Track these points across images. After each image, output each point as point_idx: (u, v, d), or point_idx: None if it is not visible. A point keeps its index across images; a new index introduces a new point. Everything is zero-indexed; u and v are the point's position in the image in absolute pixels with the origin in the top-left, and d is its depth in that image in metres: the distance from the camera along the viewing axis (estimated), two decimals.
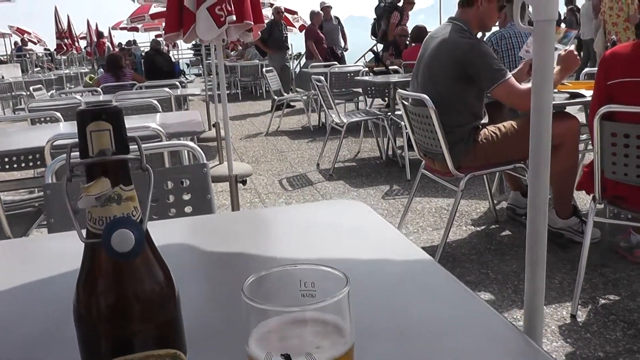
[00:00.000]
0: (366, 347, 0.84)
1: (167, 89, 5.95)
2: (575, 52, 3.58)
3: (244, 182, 4.48)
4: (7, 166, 3.79)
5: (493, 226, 4.32)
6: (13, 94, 12.71)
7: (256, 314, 0.54)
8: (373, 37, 12.46)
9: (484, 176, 4.38)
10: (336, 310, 0.55)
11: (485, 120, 3.83)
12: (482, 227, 4.31)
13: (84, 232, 0.56)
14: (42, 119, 4.84)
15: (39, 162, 3.84)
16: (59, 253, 1.35)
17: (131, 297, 0.55)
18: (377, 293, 1.02)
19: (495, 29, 4.83)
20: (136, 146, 0.58)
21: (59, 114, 4.45)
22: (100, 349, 0.56)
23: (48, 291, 1.15)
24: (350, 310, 0.56)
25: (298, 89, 11.82)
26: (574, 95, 3.86)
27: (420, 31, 8.57)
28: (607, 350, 2.63)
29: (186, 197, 2.04)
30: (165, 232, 1.41)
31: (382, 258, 1.17)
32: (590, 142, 4.15)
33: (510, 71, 3.58)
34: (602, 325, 2.84)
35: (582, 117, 4.18)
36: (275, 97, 9.59)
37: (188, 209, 2.03)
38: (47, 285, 1.18)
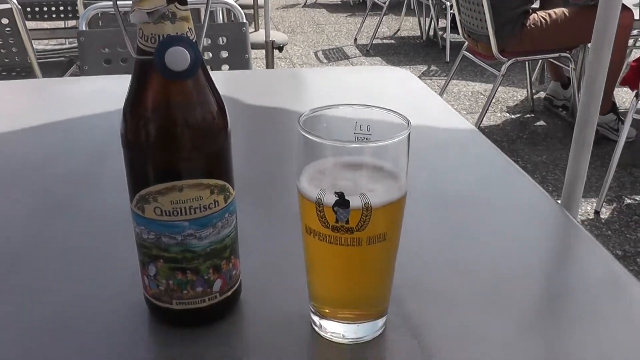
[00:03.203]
0: (409, 209, 0.83)
1: None
2: None
3: (280, 49, 4.39)
4: (37, 16, 3.75)
5: (528, 115, 4.24)
6: None
7: (311, 149, 0.52)
8: None
9: (526, 64, 4.25)
10: (394, 154, 0.52)
11: (536, 5, 3.67)
12: (517, 115, 4.23)
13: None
14: None
15: (70, 15, 3.80)
16: (93, 94, 1.33)
17: (183, 121, 0.53)
18: (419, 158, 1.00)
19: None
20: None
21: None
22: (149, 175, 0.54)
23: (83, 130, 1.15)
24: (408, 157, 0.53)
25: None
26: None
27: None
28: (625, 249, 2.63)
29: (223, 55, 2.01)
30: None
31: (426, 125, 1.14)
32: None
33: None
34: (624, 225, 2.82)
35: (636, 13, 3.97)
36: None
37: (225, 67, 2.01)
38: (82, 125, 1.17)
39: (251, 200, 0.82)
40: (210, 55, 2.01)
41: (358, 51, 6.12)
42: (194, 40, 0.52)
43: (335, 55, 5.98)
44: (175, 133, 0.53)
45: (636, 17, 3.79)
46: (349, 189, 0.50)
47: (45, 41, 4.74)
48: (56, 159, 1.02)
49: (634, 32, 3.88)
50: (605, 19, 1.15)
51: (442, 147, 1.06)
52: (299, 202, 0.54)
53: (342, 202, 0.49)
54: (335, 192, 0.49)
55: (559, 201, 1.18)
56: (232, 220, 0.58)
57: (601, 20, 1.13)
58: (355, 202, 0.50)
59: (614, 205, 3.00)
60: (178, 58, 0.50)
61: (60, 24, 4.49)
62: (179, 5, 0.51)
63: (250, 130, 1.12)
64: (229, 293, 0.60)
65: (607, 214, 2.92)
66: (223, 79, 1.49)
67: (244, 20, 2.07)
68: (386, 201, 0.51)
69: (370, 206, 0.50)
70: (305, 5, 8.92)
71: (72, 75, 3.19)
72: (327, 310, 0.58)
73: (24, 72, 2.96)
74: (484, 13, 3.39)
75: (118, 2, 0.54)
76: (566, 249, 0.82)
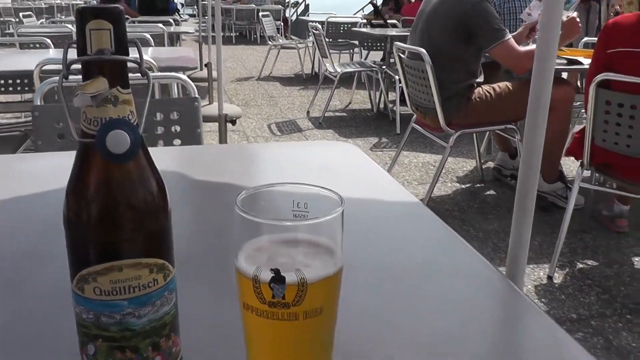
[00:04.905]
0: (349, 284, 0.84)
1: (160, 25, 5.85)
2: (578, 19, 3.54)
3: (233, 122, 4.44)
4: None
5: (478, 185, 4.34)
6: (2, 19, 12.43)
7: (248, 228, 0.53)
8: None
9: (473, 135, 4.38)
10: (329, 231, 0.54)
11: (480, 79, 3.81)
12: (467, 185, 4.33)
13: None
14: (32, 45, 4.74)
15: (26, 88, 3.78)
16: (45, 171, 1.34)
17: (122, 202, 0.54)
18: (363, 233, 1.03)
19: None
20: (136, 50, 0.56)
21: (48, 40, 4.36)
22: (89, 255, 0.55)
23: (33, 208, 1.15)
24: (343, 233, 0.55)
25: (293, 37, 11.67)
26: (572, 62, 3.85)
27: None
28: (580, 313, 2.68)
29: (175, 129, 2.03)
30: (156, 160, 1.39)
31: (370, 198, 1.17)
32: (583, 110, 4.15)
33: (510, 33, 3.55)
34: (577, 289, 2.88)
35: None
36: (270, 42, 9.48)
37: (177, 142, 2.02)
38: (32, 202, 1.17)
39: (194, 276, 0.83)
40: (163, 129, 2.03)
41: (311, 124, 6.22)
42: (135, 123, 0.54)
43: (288, 128, 6.06)
44: (114, 214, 0.54)
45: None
46: (285, 265, 0.52)
47: (2, 115, 4.71)
48: (5, 236, 1.01)
49: (576, 104, 4.06)
50: (539, 93, 1.20)
51: (386, 220, 1.09)
52: (236, 280, 0.55)
53: (278, 278, 0.51)
54: (271, 269, 0.51)
55: (503, 269, 1.21)
56: (172, 298, 0.58)
57: (535, 95, 1.19)
58: (291, 278, 0.51)
59: (567, 270, 3.07)
60: (118, 141, 0.51)
61: (17, 97, 4.48)
62: (121, 89, 0.53)
63: (196, 206, 1.14)
64: None
65: (560, 278, 2.98)
66: (174, 155, 1.51)
67: (196, 95, 2.11)
68: (322, 276, 0.53)
69: (305, 281, 0.51)
70: (259, 79, 9.08)
71: (26, 149, 3.15)
72: None
73: None
74: (430, 87, 3.51)
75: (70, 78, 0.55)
76: (510, 317, 0.84)
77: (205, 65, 7.13)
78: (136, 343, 0.56)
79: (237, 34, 15.63)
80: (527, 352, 0.71)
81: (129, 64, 0.54)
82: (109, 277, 0.54)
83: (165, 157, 1.46)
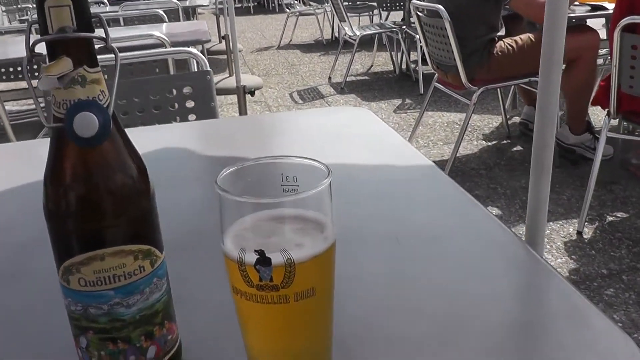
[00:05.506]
0: (361, 252, 0.82)
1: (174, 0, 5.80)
2: None
3: (252, 93, 4.41)
4: (12, 76, 3.73)
5: (504, 141, 4.26)
6: (19, 6, 12.50)
7: (229, 208, 0.50)
8: None
9: (498, 91, 4.29)
10: (317, 204, 0.51)
11: (502, 32, 3.71)
12: (493, 142, 4.25)
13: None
14: None
15: None
16: None
17: (97, 188, 0.51)
18: (377, 198, 1.00)
19: None
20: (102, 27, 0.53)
21: None
22: (70, 245, 0.53)
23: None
24: (332, 206, 0.52)
25: (311, 2, 11.53)
26: (596, 8, 3.72)
27: None
28: (610, 268, 2.62)
29: (190, 104, 2.01)
30: (167, 136, 1.38)
31: (385, 164, 1.13)
32: (609, 58, 4.03)
33: None
34: (607, 243, 2.83)
35: (602, 33, 4.03)
36: (288, 10, 9.38)
37: (192, 117, 2.00)
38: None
39: (200, 257, 0.80)
40: (177, 106, 2.01)
41: (333, 89, 6.16)
42: (105, 104, 0.51)
43: (310, 96, 6.01)
44: (89, 201, 0.51)
45: (603, 37, 3.85)
46: (270, 245, 0.49)
47: (23, 101, 4.73)
48: (23, 222, 1.00)
49: (602, 51, 3.94)
50: (551, 44, 1.15)
51: (401, 188, 1.05)
52: (224, 263, 0.52)
53: (263, 260, 0.48)
54: (256, 250, 0.48)
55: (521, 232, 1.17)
56: (162, 284, 0.56)
57: (547, 46, 1.14)
58: (277, 258, 0.48)
59: (596, 224, 3.01)
60: (85, 124, 0.48)
61: (35, 82, 4.47)
62: (88, 69, 0.50)
63: (201, 183, 1.11)
64: (165, 359, 0.58)
65: (590, 233, 2.92)
66: (189, 130, 1.49)
67: (208, 69, 2.08)
68: (310, 255, 0.50)
69: (293, 261, 0.48)
70: (279, 47, 9.01)
71: (45, 134, 3.17)
72: None
73: None
74: (450, 44, 3.43)
75: None
76: (528, 282, 0.81)
77: (223, 37, 7.10)
78: (128, 333, 0.54)
79: (255, 3, 15.51)
80: (545, 319, 0.67)
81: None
82: (91, 268, 0.52)
83: (179, 134, 1.44)
